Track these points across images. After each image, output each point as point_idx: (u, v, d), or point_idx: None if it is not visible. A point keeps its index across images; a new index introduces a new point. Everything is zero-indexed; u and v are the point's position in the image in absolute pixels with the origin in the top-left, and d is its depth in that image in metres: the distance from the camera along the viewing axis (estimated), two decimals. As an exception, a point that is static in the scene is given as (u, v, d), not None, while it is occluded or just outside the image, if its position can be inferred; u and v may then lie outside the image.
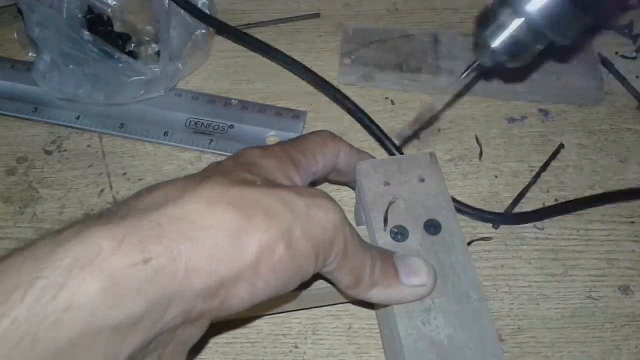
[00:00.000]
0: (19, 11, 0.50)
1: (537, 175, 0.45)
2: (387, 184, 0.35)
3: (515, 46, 0.35)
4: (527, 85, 0.49)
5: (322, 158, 0.33)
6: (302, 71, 0.49)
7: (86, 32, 0.44)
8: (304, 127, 0.48)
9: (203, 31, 0.49)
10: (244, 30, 0.52)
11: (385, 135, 0.45)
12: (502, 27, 0.35)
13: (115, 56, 0.45)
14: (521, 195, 0.44)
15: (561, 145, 0.46)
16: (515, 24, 0.35)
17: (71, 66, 0.46)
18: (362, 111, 0.47)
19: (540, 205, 0.44)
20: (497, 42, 0.36)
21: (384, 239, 0.32)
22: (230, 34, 0.51)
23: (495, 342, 0.30)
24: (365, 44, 0.50)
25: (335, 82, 0.49)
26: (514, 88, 0.49)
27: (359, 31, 0.52)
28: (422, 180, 0.35)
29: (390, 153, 0.45)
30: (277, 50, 0.50)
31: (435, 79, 0.49)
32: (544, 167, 0.45)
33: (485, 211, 0.42)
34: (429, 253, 0.32)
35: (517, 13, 0.34)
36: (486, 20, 0.36)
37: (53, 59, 0.46)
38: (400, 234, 0.33)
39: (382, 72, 0.49)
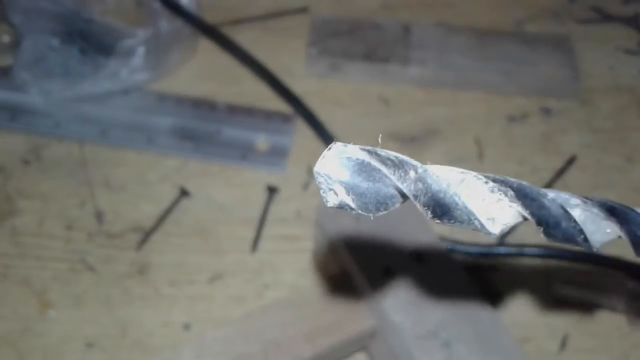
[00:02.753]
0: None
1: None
2: (357, 220, 0.33)
3: None
4: (501, 76, 0.48)
5: None
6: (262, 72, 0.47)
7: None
8: (295, 131, 0.46)
9: (190, 26, 0.47)
10: (231, 28, 0.50)
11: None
12: None
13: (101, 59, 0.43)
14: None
15: (573, 158, 0.45)
16: None
17: (52, 54, 0.45)
18: (313, 116, 0.46)
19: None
20: None
21: (376, 280, 0.31)
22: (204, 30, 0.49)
23: (522, 356, 0.29)
24: (333, 35, 0.49)
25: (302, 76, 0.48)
26: (487, 80, 0.48)
27: (328, 22, 0.51)
28: None
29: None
30: (240, 49, 0.48)
31: (404, 69, 0.48)
32: (551, 182, 0.43)
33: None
34: (424, 284, 0.31)
35: None
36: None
37: (35, 47, 0.45)
38: (390, 270, 0.31)
39: (350, 62, 0.48)
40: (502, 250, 0.40)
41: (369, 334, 0.32)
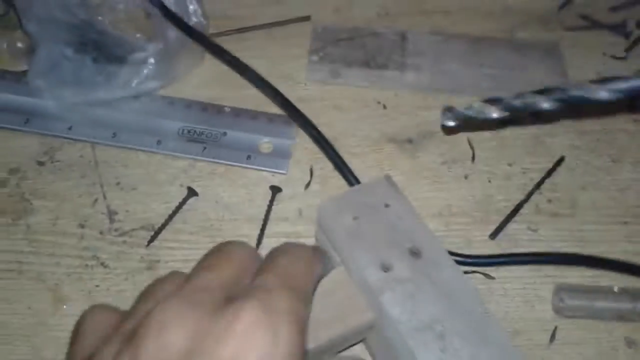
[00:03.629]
0: (12, 20, 0.50)
1: (531, 193, 0.44)
2: (356, 218, 0.34)
3: None
4: (491, 81, 0.50)
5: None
6: (269, 91, 0.48)
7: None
8: (297, 133, 0.47)
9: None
10: (236, 36, 0.52)
11: (342, 161, 0.45)
12: None
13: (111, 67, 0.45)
14: (515, 210, 0.43)
15: (561, 159, 0.46)
16: None
17: (67, 62, 0.46)
18: (314, 127, 0.46)
19: (533, 208, 0.44)
20: None
21: (375, 275, 0.32)
22: (207, 46, 0.49)
23: (514, 349, 0.30)
24: (333, 42, 0.51)
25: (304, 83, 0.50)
26: (480, 85, 0.49)
27: (328, 29, 0.53)
28: (387, 205, 0.34)
29: (344, 173, 0.44)
30: (247, 67, 0.48)
31: (401, 75, 0.50)
32: (540, 182, 0.45)
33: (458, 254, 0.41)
34: (421, 278, 0.32)
35: None
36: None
37: (50, 55, 0.46)
38: (387, 265, 0.32)
39: (349, 68, 0.50)
40: (498, 260, 0.41)
41: (367, 327, 0.32)
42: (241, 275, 0.24)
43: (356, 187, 0.36)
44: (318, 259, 0.28)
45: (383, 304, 0.31)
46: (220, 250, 0.25)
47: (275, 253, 0.26)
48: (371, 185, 0.35)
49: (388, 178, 0.36)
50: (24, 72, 0.49)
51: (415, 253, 0.32)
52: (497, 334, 0.30)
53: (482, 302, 0.31)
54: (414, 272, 0.32)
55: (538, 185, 0.44)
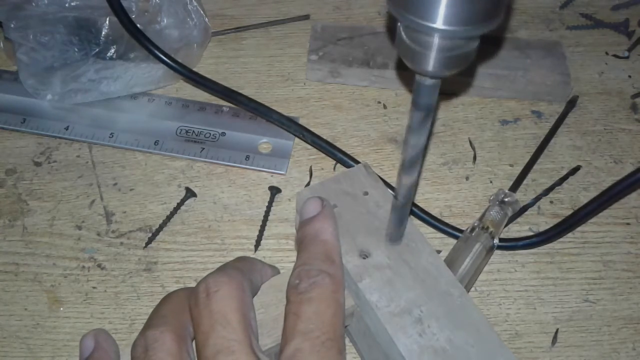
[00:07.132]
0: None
1: (539, 197, 0.44)
2: (334, 206, 0.34)
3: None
4: (493, 81, 0.49)
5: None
6: (268, 113, 0.47)
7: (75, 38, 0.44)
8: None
9: (196, 33, 0.49)
10: (234, 34, 0.52)
11: (347, 155, 0.45)
12: None
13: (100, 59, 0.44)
14: (518, 213, 0.43)
15: (577, 168, 0.46)
16: None
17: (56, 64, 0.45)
18: (318, 137, 0.46)
19: (535, 209, 0.44)
20: None
21: (353, 262, 0.32)
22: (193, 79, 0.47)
23: (491, 331, 0.30)
24: (333, 41, 0.51)
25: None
26: (481, 85, 0.49)
27: (328, 28, 0.52)
28: (366, 193, 0.34)
29: (347, 165, 0.44)
30: (240, 94, 0.47)
31: (401, 74, 0.49)
32: (550, 189, 0.44)
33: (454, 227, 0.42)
34: (399, 263, 0.32)
35: None
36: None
37: (30, 49, 0.45)
38: (365, 252, 0.32)
39: (349, 68, 0.49)
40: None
41: (348, 314, 0.32)
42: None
43: (335, 175, 0.36)
44: (339, 278, 0.29)
45: (362, 290, 0.31)
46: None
47: (298, 299, 0.28)
48: (350, 174, 0.35)
49: (367, 167, 0.35)
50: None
51: (393, 239, 0.32)
52: (475, 318, 0.30)
53: (460, 288, 0.31)
54: (392, 258, 0.32)
55: (547, 191, 0.44)
